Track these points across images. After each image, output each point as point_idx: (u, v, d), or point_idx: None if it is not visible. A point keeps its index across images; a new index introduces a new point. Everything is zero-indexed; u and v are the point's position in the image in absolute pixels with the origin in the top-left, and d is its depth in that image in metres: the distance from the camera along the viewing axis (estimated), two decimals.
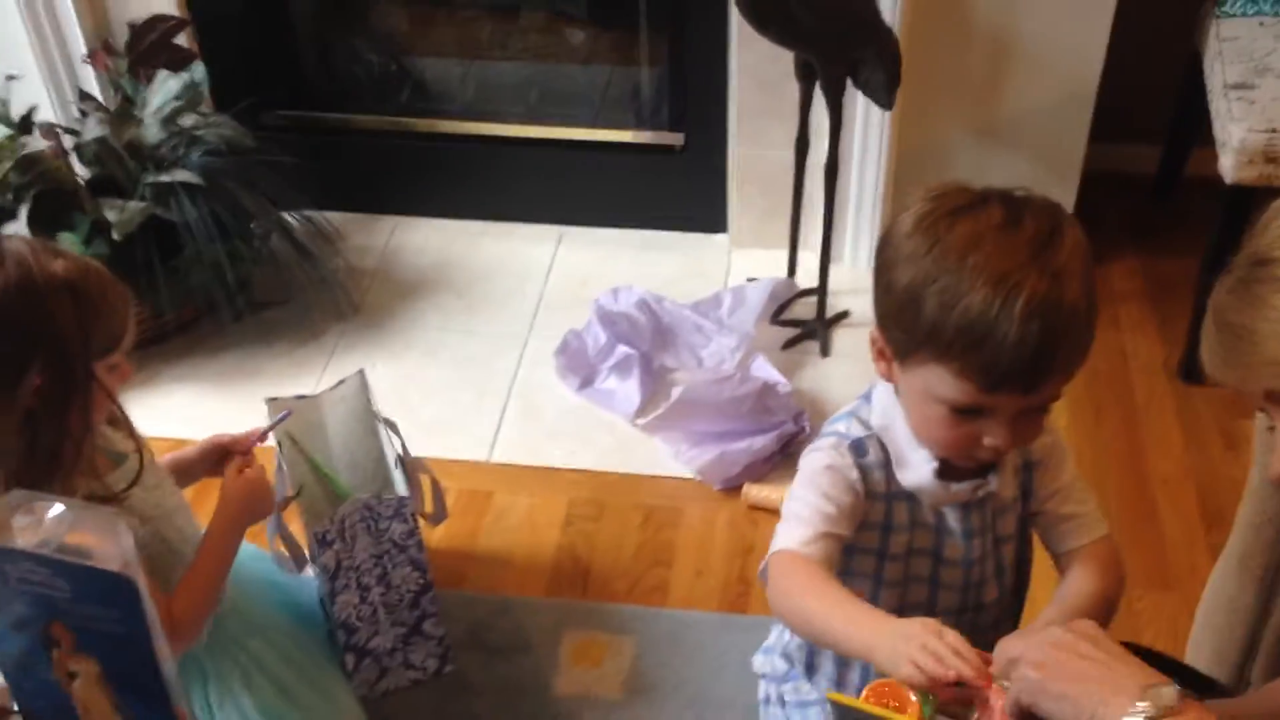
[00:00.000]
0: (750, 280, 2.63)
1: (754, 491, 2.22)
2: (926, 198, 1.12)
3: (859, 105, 2.46)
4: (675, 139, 2.79)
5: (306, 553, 1.78)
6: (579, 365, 2.48)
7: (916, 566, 1.27)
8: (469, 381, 2.50)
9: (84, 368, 1.32)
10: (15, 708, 1.03)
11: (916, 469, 1.21)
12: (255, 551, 1.87)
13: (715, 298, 2.56)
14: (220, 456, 1.65)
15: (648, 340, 2.47)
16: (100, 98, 2.57)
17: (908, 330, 1.11)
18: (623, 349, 2.44)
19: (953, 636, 1.02)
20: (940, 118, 2.60)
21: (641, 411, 2.37)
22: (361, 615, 1.81)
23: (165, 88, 2.46)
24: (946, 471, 1.20)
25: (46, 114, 2.55)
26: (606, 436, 2.37)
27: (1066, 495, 1.28)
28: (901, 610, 1.28)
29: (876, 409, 1.24)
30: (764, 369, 2.38)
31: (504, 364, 2.54)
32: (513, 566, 2.12)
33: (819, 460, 1.23)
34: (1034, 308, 1.04)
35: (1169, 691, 0.85)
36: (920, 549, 1.26)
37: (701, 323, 2.50)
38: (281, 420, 1.64)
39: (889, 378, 1.19)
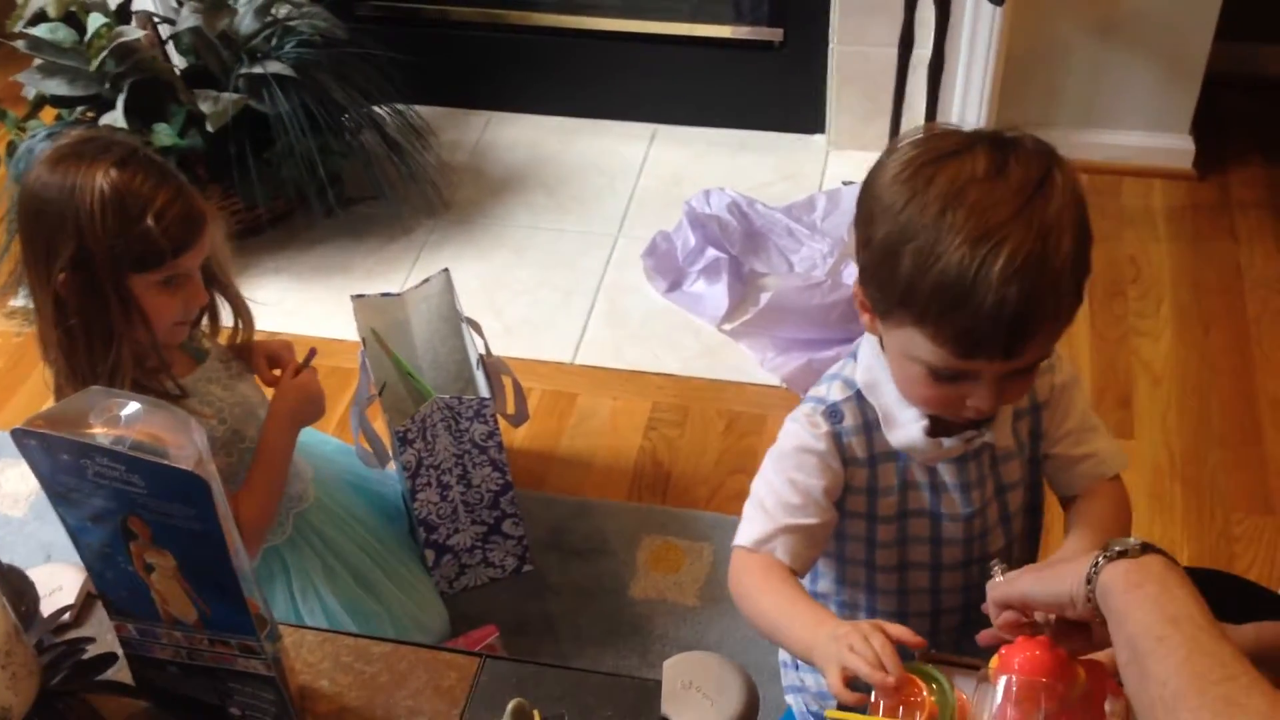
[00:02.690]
0: (846, 184, 2.56)
1: None
2: (912, 141, 1.03)
3: (968, 0, 2.35)
4: (774, 35, 2.70)
5: (389, 449, 1.80)
6: (667, 267, 2.44)
7: (914, 528, 1.22)
8: (556, 282, 2.49)
9: (111, 277, 1.35)
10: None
11: (905, 428, 1.15)
12: (340, 446, 1.90)
13: (809, 201, 2.49)
14: (274, 361, 1.65)
15: (738, 244, 2.42)
16: None
17: (883, 289, 1.04)
18: (712, 252, 2.40)
19: (879, 641, 0.98)
20: (1054, 13, 2.47)
21: (729, 316, 2.34)
22: (441, 513, 1.83)
23: None
24: (937, 427, 1.14)
25: (144, 3, 2.56)
26: (692, 341, 2.34)
27: (1079, 436, 1.22)
28: (904, 569, 1.24)
29: (861, 365, 1.17)
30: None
31: (592, 264, 2.52)
32: (594, 469, 2.12)
33: (790, 439, 1.19)
34: (1015, 269, 0.96)
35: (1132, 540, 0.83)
36: (915, 510, 1.21)
37: (794, 227, 2.44)
38: (312, 357, 1.64)
39: (874, 331, 1.12)
